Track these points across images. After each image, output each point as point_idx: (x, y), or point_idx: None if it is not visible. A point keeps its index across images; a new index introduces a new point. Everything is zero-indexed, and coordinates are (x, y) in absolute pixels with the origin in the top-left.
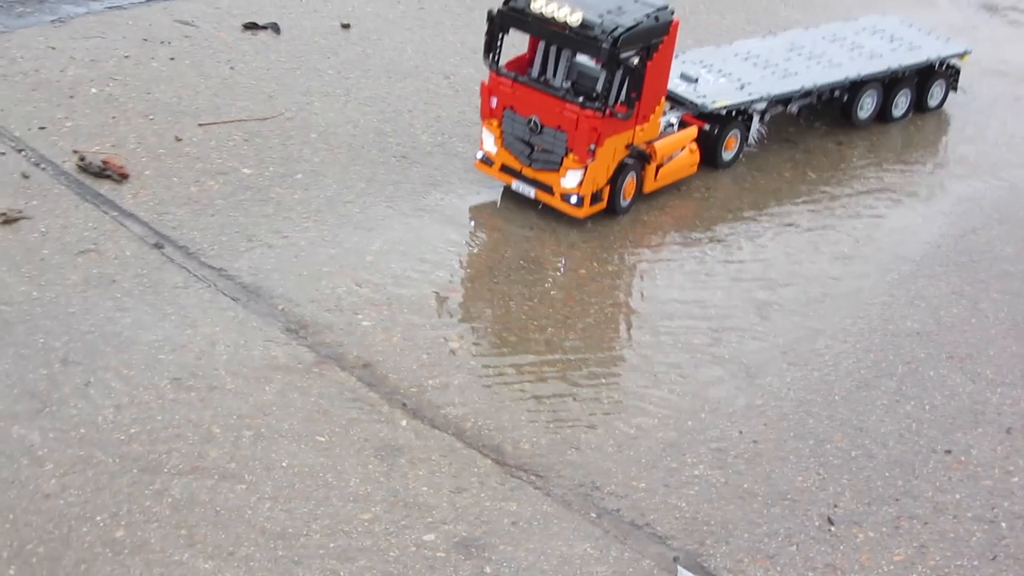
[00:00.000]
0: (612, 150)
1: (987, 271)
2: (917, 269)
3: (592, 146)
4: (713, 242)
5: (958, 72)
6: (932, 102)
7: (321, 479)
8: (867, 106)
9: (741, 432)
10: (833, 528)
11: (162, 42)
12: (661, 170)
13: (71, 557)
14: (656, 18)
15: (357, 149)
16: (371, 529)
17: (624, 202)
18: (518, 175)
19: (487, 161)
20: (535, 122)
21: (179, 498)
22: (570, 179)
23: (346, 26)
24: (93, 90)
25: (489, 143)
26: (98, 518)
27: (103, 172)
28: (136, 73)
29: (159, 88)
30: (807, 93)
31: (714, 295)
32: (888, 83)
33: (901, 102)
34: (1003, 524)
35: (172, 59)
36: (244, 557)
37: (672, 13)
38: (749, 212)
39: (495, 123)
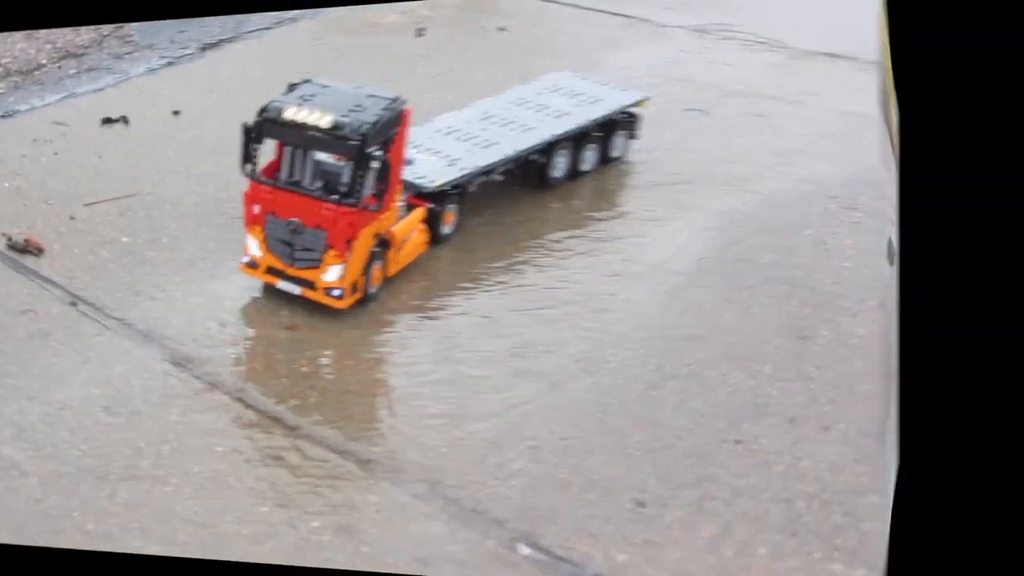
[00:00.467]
0: (365, 241)
1: (753, 278)
2: (687, 281)
3: (349, 240)
4: (502, 271)
5: (637, 120)
6: (615, 152)
7: (224, 481)
8: (560, 166)
9: (550, 432)
10: (644, 509)
11: (46, 141)
12: (400, 253)
13: (62, 544)
14: (392, 110)
15: (203, 216)
16: (270, 519)
17: (372, 288)
18: (283, 275)
19: (253, 265)
20: (296, 224)
21: (127, 499)
22: (331, 274)
23: (176, 113)
24: (5, 184)
25: (254, 248)
26: (75, 515)
27: (26, 249)
28: (33, 168)
29: (51, 179)
30: (509, 160)
31: (508, 316)
32: (577, 140)
33: (589, 157)
34: (800, 503)
35: (56, 154)
36: (184, 542)
37: (404, 103)
38: (528, 242)
39: (258, 228)
